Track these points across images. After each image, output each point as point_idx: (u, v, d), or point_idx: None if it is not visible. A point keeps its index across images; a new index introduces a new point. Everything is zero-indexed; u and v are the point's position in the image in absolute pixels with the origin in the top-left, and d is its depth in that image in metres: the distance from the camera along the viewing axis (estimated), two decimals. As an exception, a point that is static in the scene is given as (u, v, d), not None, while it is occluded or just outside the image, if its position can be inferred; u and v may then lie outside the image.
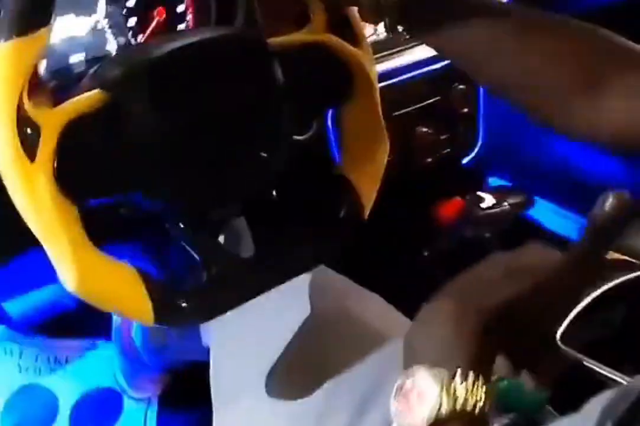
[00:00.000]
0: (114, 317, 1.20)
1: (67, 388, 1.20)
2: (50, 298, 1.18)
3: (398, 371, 0.78)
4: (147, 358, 1.21)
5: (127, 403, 1.25)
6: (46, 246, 0.62)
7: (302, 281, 0.83)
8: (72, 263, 0.62)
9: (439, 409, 0.48)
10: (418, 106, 1.14)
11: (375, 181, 0.84)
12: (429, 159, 1.12)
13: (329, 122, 0.99)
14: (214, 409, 0.85)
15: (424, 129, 1.14)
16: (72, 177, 0.63)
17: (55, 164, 0.62)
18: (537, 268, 0.53)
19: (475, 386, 0.49)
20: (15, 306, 1.17)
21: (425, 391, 0.48)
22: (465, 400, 0.48)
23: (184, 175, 0.71)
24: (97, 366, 1.25)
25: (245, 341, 0.86)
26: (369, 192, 0.84)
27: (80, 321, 1.15)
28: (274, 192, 0.78)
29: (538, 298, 0.52)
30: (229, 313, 0.73)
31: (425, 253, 1.12)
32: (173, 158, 0.70)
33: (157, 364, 1.23)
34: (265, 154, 0.76)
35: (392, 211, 0.96)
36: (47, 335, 1.21)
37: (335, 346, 0.83)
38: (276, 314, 0.86)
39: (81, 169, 0.64)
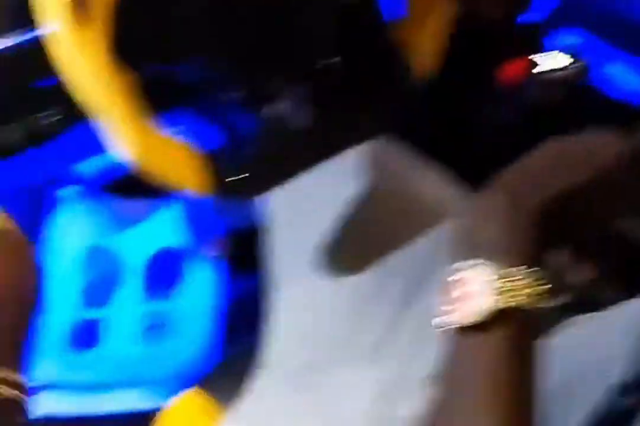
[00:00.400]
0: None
1: (135, 247, 1.23)
2: (116, 161, 1.19)
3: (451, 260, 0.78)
4: (213, 218, 1.23)
5: (195, 262, 1.28)
6: (101, 116, 0.62)
7: (360, 152, 0.81)
8: (127, 134, 0.62)
9: (490, 304, 0.46)
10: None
11: (436, 41, 0.80)
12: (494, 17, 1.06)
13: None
14: (272, 281, 0.86)
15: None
16: (129, 43, 0.61)
17: (109, 31, 0.60)
18: (597, 156, 0.50)
19: (528, 282, 0.47)
20: (86, 167, 1.19)
21: (475, 286, 0.47)
22: (518, 295, 0.46)
23: (245, 42, 0.68)
24: (164, 225, 1.28)
25: (300, 211, 0.85)
26: (429, 53, 0.80)
27: (146, 183, 1.16)
28: (332, 61, 0.75)
29: (598, 190, 0.50)
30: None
31: (485, 117, 1.08)
32: (234, 24, 0.67)
33: (222, 226, 1.24)
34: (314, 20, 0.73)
35: (451, 74, 0.92)
36: (116, 196, 1.23)
37: (390, 221, 0.82)
38: (332, 185, 0.85)
39: (139, 34, 0.62)
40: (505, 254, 0.47)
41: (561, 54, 0.99)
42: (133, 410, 1.11)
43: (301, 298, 0.81)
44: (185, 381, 1.15)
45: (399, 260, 0.79)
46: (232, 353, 0.93)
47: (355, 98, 0.76)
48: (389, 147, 0.88)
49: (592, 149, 0.51)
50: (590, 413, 0.57)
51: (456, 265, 0.49)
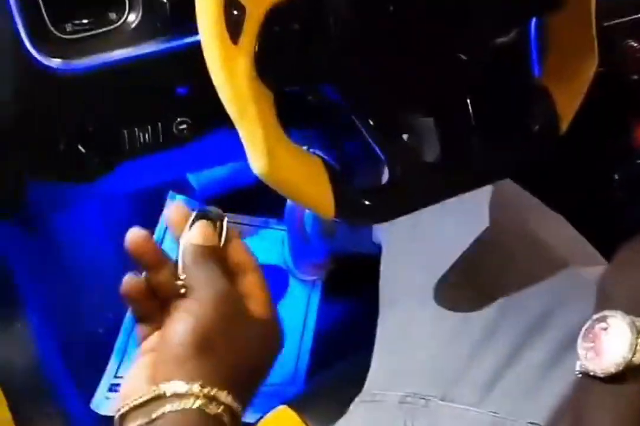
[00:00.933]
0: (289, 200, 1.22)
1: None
2: (231, 175, 1.21)
3: (575, 305, 0.76)
4: (315, 242, 1.23)
5: (293, 283, 1.29)
6: (239, 128, 0.63)
7: (485, 192, 0.80)
8: (263, 147, 0.62)
9: (633, 356, 0.46)
10: (632, 17, 1.05)
11: (578, 95, 0.79)
12: (635, 76, 1.04)
13: (532, 29, 0.93)
14: (380, 309, 0.85)
15: (634, 44, 1.06)
16: (271, 62, 0.62)
17: (256, 48, 0.61)
18: None
19: None
20: (198, 179, 1.21)
21: (618, 337, 0.47)
22: None
23: (381, 72, 0.69)
24: (266, 244, 1.29)
25: (418, 246, 0.85)
26: (569, 106, 0.79)
27: (255, 199, 1.17)
28: (468, 98, 0.75)
29: None
30: (406, 216, 0.72)
31: (616, 177, 1.06)
32: (371, 54, 0.68)
33: (324, 250, 1.25)
34: (464, 57, 0.73)
35: (589, 129, 0.90)
36: (223, 209, 1.25)
37: (510, 264, 0.81)
38: (453, 223, 0.84)
39: (282, 54, 0.63)
40: None
41: None
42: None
43: (412, 328, 0.80)
44: (272, 400, 1.15)
45: (518, 301, 0.78)
46: (328, 376, 0.92)
47: (491, 138, 0.75)
48: (517, 190, 0.87)
49: None
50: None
51: (598, 314, 0.48)
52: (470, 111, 0.76)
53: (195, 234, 0.55)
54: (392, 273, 0.86)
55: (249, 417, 1.09)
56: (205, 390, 0.46)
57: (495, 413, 0.72)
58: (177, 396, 0.46)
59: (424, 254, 0.84)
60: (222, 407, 0.47)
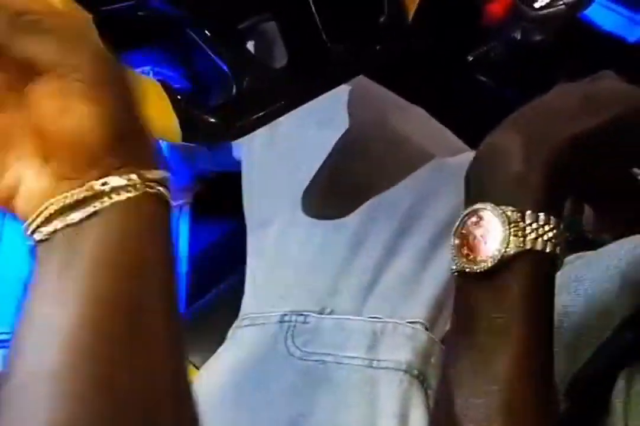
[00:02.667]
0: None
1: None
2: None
3: (443, 196, 0.76)
4: (176, 167, 1.19)
5: None
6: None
7: (339, 93, 0.77)
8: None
9: (507, 247, 0.45)
10: None
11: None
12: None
13: None
14: (247, 228, 0.83)
15: None
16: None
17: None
18: (617, 99, 0.47)
19: (546, 226, 0.45)
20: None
21: (491, 230, 0.45)
22: (535, 239, 0.45)
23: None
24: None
25: (278, 157, 0.82)
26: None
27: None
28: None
29: (620, 132, 0.47)
30: (262, 128, 0.69)
31: (470, 58, 1.04)
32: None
33: (185, 172, 1.21)
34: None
35: (435, 13, 0.88)
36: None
37: (374, 165, 0.79)
38: (312, 128, 0.81)
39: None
40: (522, 196, 0.45)
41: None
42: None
43: (283, 243, 0.78)
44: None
45: (386, 202, 0.76)
46: (204, 302, 0.90)
47: (333, 36, 0.71)
48: (373, 87, 0.84)
49: (611, 92, 0.48)
50: (596, 347, 0.56)
51: (469, 208, 0.46)
52: (314, 9, 0.71)
53: None
54: (258, 191, 0.83)
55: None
56: (142, 175, 0.39)
57: (374, 317, 0.72)
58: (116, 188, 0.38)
59: (287, 165, 0.81)
60: (161, 187, 0.40)
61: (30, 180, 0.39)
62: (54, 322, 0.36)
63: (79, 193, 0.38)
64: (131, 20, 0.70)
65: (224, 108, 0.66)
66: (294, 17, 0.71)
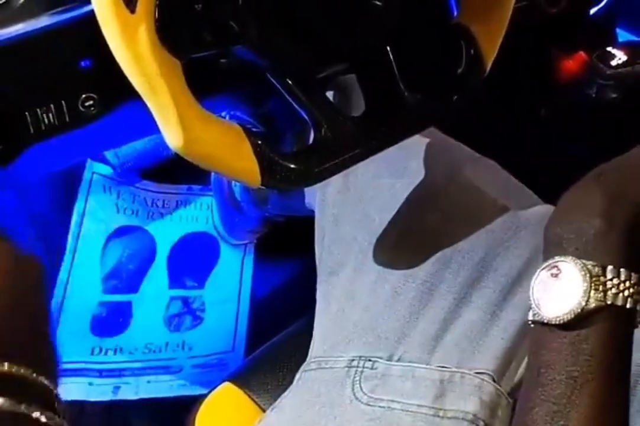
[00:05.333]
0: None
1: (164, 231, 1.21)
2: (149, 147, 1.17)
3: (515, 248, 0.76)
4: (247, 210, 1.20)
5: (224, 249, 1.26)
6: (148, 102, 0.59)
7: (413, 143, 0.78)
8: (175, 119, 0.59)
9: (587, 301, 0.45)
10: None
11: (499, 33, 0.77)
12: (554, 9, 1.02)
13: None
14: (317, 272, 0.83)
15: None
16: (174, 29, 0.58)
17: (156, 14, 0.57)
18: None
19: (627, 282, 0.45)
20: (116, 155, 1.17)
21: (571, 283, 0.46)
22: (616, 294, 0.45)
23: (295, 27, 0.65)
24: (194, 212, 1.26)
25: (351, 205, 0.82)
26: (491, 44, 0.77)
27: (180, 168, 1.14)
28: (388, 47, 0.72)
29: None
30: (337, 176, 0.70)
31: (543, 112, 1.05)
32: (283, 9, 0.64)
33: (256, 216, 1.22)
34: (379, 2, 0.70)
35: (511, 66, 0.89)
36: (150, 180, 1.21)
37: (447, 216, 0.79)
38: (386, 177, 0.82)
39: (185, 19, 0.59)
40: (603, 252, 0.46)
41: (627, 48, 0.95)
42: (163, 397, 1.09)
43: (352, 290, 0.78)
44: (214, 370, 1.14)
45: (457, 252, 0.77)
46: (269, 347, 0.90)
47: (416, 86, 0.72)
48: (446, 140, 0.85)
49: None
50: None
51: (549, 261, 0.46)
52: (392, 59, 0.73)
53: None
54: (329, 237, 0.83)
55: (195, 391, 1.07)
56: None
57: (442, 367, 0.72)
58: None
59: (359, 214, 0.82)
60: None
61: None
62: None
63: None
64: (212, 66, 0.72)
65: (303, 154, 0.67)
66: (372, 66, 0.73)
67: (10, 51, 0.64)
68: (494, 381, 0.71)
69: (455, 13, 0.76)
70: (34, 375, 0.34)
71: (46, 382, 0.34)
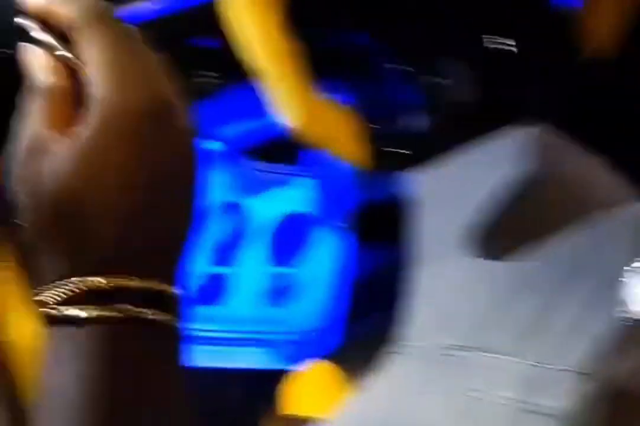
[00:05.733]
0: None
1: (265, 210, 1.24)
2: (259, 126, 1.19)
3: (616, 245, 0.75)
4: (345, 192, 1.21)
5: (322, 230, 1.28)
6: (270, 83, 0.61)
7: (516, 134, 0.77)
8: (295, 102, 0.61)
9: None
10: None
11: (615, 27, 0.76)
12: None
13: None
14: (413, 260, 0.84)
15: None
16: (301, 12, 0.60)
17: (284, -2, 0.59)
18: None
19: None
20: (229, 130, 1.20)
21: None
22: None
23: (416, 15, 0.66)
24: (296, 192, 1.28)
25: (448, 193, 0.83)
26: (606, 39, 0.76)
27: (284, 149, 1.16)
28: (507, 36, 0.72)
29: None
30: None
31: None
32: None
33: (355, 199, 1.23)
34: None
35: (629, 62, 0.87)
36: (256, 159, 1.24)
37: (546, 207, 0.78)
38: (490, 165, 0.81)
39: (310, 5, 0.61)
40: None
41: None
42: (257, 368, 1.12)
43: (446, 278, 0.79)
44: (308, 347, 1.16)
45: (557, 248, 0.76)
46: (364, 327, 0.92)
47: (524, 78, 0.72)
48: (553, 132, 0.84)
49: None
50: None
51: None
52: (511, 48, 0.73)
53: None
54: (423, 224, 0.84)
55: (287, 365, 1.10)
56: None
57: (535, 361, 0.71)
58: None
59: (458, 202, 0.82)
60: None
61: None
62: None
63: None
64: (327, 50, 0.74)
65: (413, 139, 0.68)
66: (492, 56, 0.73)
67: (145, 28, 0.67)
68: (585, 378, 0.70)
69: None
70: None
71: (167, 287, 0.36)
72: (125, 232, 0.35)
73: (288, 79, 0.59)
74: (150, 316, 0.35)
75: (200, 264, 1.17)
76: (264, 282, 1.20)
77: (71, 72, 0.37)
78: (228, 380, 1.11)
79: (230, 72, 0.73)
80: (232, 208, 1.22)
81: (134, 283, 0.35)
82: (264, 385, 0.93)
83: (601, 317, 0.73)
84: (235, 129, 1.17)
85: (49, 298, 0.35)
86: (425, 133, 0.68)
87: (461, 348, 0.73)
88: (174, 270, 0.37)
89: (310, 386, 0.85)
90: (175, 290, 0.36)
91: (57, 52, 0.37)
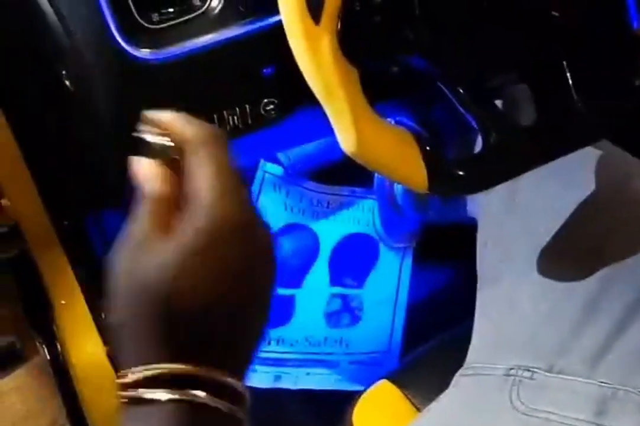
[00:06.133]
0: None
1: (327, 231, 1.25)
2: (319, 150, 1.21)
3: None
4: (407, 214, 1.22)
5: (384, 251, 1.28)
6: (327, 108, 0.62)
7: (584, 156, 0.77)
8: (350, 124, 0.62)
9: None
10: None
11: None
12: None
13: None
14: (478, 278, 0.84)
15: None
16: (355, 40, 0.61)
17: (339, 26, 0.60)
18: None
19: None
20: (287, 156, 1.22)
21: None
22: None
23: (469, 36, 0.67)
24: (356, 213, 1.29)
25: (516, 214, 0.83)
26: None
27: (345, 171, 1.17)
28: (563, 57, 0.72)
29: None
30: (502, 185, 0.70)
31: None
32: (458, 18, 0.66)
33: (416, 220, 1.23)
34: (556, 13, 0.70)
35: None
36: (317, 182, 1.26)
37: (614, 231, 0.78)
38: (553, 189, 0.81)
39: (365, 31, 0.62)
40: None
41: None
42: (321, 389, 1.13)
43: (515, 298, 0.78)
44: (370, 368, 1.16)
45: (624, 268, 0.75)
46: (426, 349, 0.92)
47: (585, 97, 0.72)
48: (617, 152, 0.84)
49: None
50: None
51: None
52: (566, 68, 0.73)
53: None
54: (492, 245, 0.84)
55: (350, 387, 1.10)
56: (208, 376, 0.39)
57: (604, 383, 0.71)
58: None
59: (524, 223, 0.81)
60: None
61: None
62: None
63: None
64: (384, 73, 0.75)
65: (471, 162, 0.69)
66: (545, 76, 0.73)
67: (203, 59, 0.69)
68: None
69: (636, 24, 0.75)
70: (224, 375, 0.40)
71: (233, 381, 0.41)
72: (213, 326, 0.40)
73: (345, 104, 0.60)
74: (219, 406, 0.39)
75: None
76: (326, 302, 1.21)
77: (174, 179, 0.44)
78: (291, 401, 1.12)
79: (290, 97, 0.74)
80: (296, 230, 1.24)
81: (211, 373, 0.39)
82: (328, 407, 0.94)
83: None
84: (297, 152, 1.19)
85: (131, 380, 0.39)
86: (482, 156, 0.68)
87: (528, 369, 0.73)
88: (249, 363, 0.43)
89: (375, 408, 0.85)
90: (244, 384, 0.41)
91: (167, 157, 0.44)
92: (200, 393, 0.39)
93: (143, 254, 0.41)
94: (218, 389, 0.40)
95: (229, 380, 0.40)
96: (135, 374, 0.39)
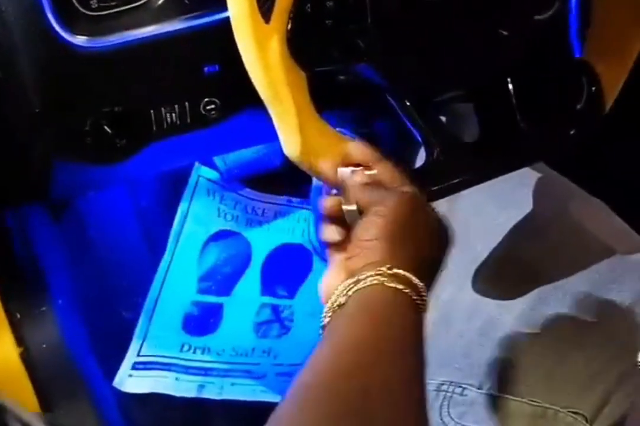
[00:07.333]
0: (314, 180, 1.19)
1: (261, 239, 1.23)
2: (257, 157, 1.19)
3: (619, 292, 0.74)
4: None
5: (317, 263, 1.27)
6: (271, 110, 0.61)
7: (522, 175, 0.77)
8: (295, 128, 0.60)
9: None
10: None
11: (623, 71, 0.76)
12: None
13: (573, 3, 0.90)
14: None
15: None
16: (305, 42, 0.60)
17: (289, 26, 0.59)
18: None
19: None
20: (224, 161, 1.20)
21: None
22: None
23: (419, 50, 0.66)
24: (291, 223, 1.27)
25: (455, 230, 0.82)
26: (613, 83, 0.76)
27: (282, 180, 1.16)
28: (509, 77, 0.72)
29: None
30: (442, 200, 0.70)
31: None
32: (410, 31, 0.65)
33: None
34: (505, 32, 0.70)
35: (635, 106, 0.87)
36: (253, 188, 1.24)
37: (551, 249, 0.78)
38: (492, 206, 0.81)
39: (315, 34, 0.61)
40: None
41: None
42: (245, 400, 1.10)
43: (448, 314, 0.78)
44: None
45: (557, 288, 0.76)
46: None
47: (527, 118, 0.72)
48: (555, 176, 0.84)
49: None
50: None
51: None
52: (511, 89, 0.73)
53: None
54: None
55: (276, 398, 1.09)
56: (391, 271, 0.54)
57: (533, 401, 0.71)
58: (368, 277, 0.54)
59: (463, 241, 0.81)
60: (405, 283, 0.54)
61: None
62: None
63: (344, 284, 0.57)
64: (331, 81, 0.74)
65: (414, 175, 0.68)
66: (491, 94, 0.73)
67: (142, 51, 0.66)
68: (586, 421, 0.69)
69: (577, 51, 0.76)
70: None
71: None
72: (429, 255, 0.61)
73: (292, 106, 0.59)
74: (419, 301, 0.58)
75: (192, 293, 1.16)
76: (255, 312, 1.19)
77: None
78: (218, 412, 1.09)
79: (233, 98, 0.72)
80: (228, 237, 1.21)
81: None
82: (252, 417, 0.92)
83: (609, 362, 0.72)
84: (234, 157, 1.17)
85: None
86: (424, 170, 0.67)
87: (460, 385, 0.73)
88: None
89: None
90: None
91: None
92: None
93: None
94: (419, 290, 0.55)
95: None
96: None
